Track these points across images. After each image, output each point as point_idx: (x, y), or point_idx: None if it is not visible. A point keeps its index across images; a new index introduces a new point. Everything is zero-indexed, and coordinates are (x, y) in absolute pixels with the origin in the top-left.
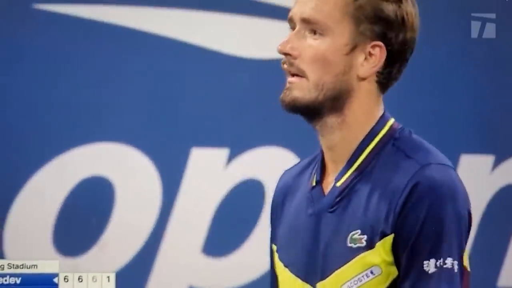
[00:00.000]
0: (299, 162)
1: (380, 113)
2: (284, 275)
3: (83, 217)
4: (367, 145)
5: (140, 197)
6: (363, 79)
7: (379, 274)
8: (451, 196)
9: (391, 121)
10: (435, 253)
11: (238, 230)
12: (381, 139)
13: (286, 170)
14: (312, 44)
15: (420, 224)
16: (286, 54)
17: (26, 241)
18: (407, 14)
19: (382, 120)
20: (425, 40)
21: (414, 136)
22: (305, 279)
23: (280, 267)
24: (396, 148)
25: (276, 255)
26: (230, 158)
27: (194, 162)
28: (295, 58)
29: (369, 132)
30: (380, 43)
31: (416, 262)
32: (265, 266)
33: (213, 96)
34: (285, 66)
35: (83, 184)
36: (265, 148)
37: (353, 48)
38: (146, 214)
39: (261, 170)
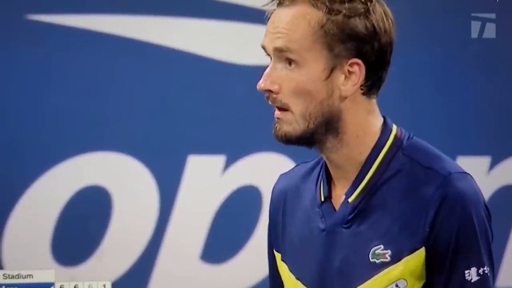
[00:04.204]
0: (296, 167)
1: (379, 121)
2: (297, 287)
3: (81, 227)
4: (375, 159)
5: (137, 205)
6: (348, 97)
7: (404, 287)
8: (477, 204)
9: (394, 129)
10: (475, 262)
11: (236, 236)
12: (388, 150)
13: (282, 174)
14: (290, 76)
15: (455, 235)
16: (267, 90)
17: (24, 251)
18: (377, 23)
19: (385, 131)
20: (425, 40)
21: (419, 141)
22: None
23: (290, 278)
24: (408, 157)
25: (283, 264)
26: (227, 165)
27: (190, 169)
28: (276, 93)
29: (374, 146)
30: (357, 60)
31: (457, 273)
32: (263, 272)
33: (208, 103)
34: (269, 102)
35: (80, 193)
36: (262, 154)
37: (331, 72)
38: (144, 223)
39: (258, 176)
